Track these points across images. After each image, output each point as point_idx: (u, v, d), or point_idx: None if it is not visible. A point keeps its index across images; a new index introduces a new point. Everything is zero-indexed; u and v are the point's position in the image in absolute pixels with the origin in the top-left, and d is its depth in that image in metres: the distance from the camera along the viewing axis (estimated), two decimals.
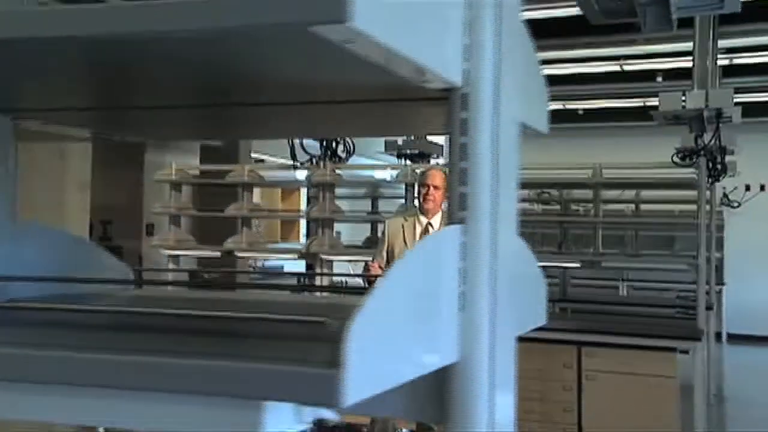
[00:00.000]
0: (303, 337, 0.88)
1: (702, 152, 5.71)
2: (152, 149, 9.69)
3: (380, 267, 4.40)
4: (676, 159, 5.81)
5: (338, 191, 7.97)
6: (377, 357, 0.75)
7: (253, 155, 9.93)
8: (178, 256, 6.85)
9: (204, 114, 1.25)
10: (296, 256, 6.70)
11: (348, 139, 6.83)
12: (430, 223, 4.48)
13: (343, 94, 1.03)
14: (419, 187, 4.52)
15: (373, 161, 11.59)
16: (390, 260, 4.46)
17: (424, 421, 0.98)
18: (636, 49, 9.32)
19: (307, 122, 1.38)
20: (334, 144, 6.68)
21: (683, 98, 5.56)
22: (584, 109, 13.15)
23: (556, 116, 13.32)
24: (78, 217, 7.20)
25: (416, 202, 4.65)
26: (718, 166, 6.46)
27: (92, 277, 1.31)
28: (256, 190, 11.90)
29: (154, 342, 0.92)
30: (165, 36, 0.69)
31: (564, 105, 12.71)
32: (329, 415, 0.87)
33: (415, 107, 1.02)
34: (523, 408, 5.88)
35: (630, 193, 8.65)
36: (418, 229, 4.45)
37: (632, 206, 8.81)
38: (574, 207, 8.73)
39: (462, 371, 0.90)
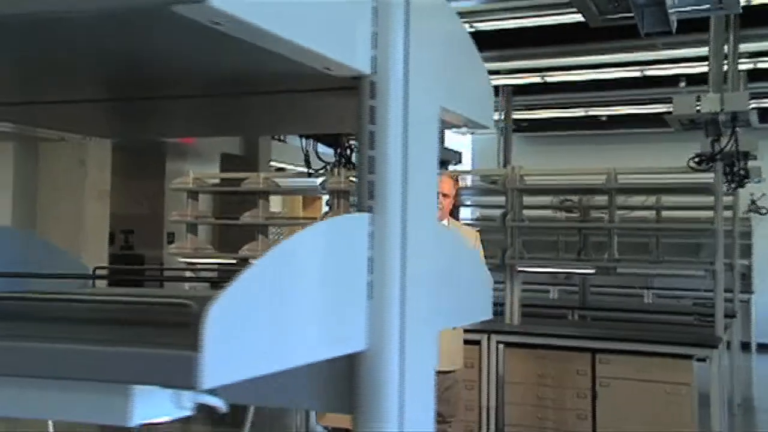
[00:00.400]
0: (174, 323, 0.88)
1: (718, 157, 5.63)
2: (172, 158, 9.82)
3: None
4: (692, 164, 5.72)
5: None
6: (245, 341, 0.74)
7: (273, 163, 10.02)
8: (195, 263, 6.90)
9: (108, 108, 1.25)
10: None
11: None
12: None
13: (245, 86, 1.03)
14: None
15: None
16: None
17: (331, 412, 0.95)
18: (657, 54, 9.22)
19: (211, 118, 1.38)
20: (348, 150, 6.71)
21: (698, 102, 5.48)
22: (608, 116, 13.03)
23: (579, 123, 13.29)
24: (97, 226, 7.31)
25: None
26: (741, 171, 6.34)
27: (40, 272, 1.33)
28: (277, 198, 12.02)
29: (20, 329, 0.92)
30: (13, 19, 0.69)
31: (586, 111, 12.62)
32: (215, 402, 0.86)
33: (327, 98, 1.01)
34: (536, 415, 5.85)
35: (653, 200, 8.55)
36: None
37: (655, 213, 8.71)
38: (596, 214, 8.65)
39: (370, 360, 0.89)
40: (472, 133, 15.09)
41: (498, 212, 9.02)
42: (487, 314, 1.18)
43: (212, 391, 0.82)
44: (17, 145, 7.42)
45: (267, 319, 0.75)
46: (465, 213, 9.99)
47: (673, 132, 6.19)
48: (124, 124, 1.48)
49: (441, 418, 4.43)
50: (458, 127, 1.17)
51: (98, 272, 1.33)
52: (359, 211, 0.94)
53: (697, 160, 5.71)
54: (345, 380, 0.90)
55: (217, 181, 8.23)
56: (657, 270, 7.30)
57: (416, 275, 0.92)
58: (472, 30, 7.79)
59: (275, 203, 12.14)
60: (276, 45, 0.75)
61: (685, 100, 5.54)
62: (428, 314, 0.95)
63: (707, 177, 5.71)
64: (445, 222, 4.45)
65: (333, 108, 1.02)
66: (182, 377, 0.69)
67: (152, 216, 9.33)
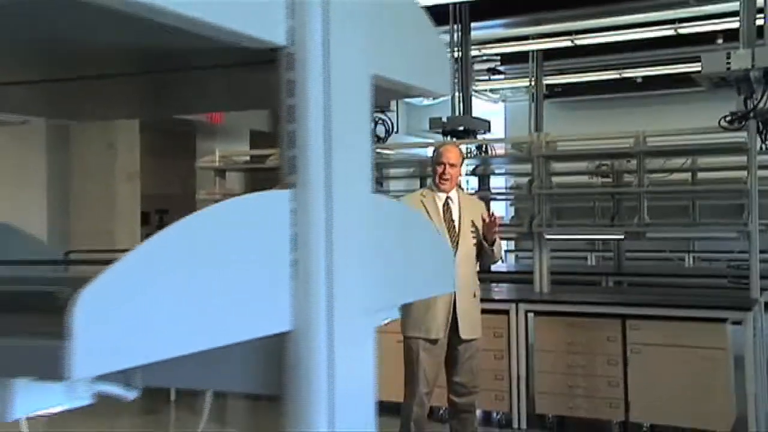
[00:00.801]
0: (52, 310, 0.86)
1: (751, 115, 5.46)
2: (203, 137, 9.89)
3: None
4: (723, 123, 5.56)
5: (391, 171, 7.95)
6: (127, 326, 0.71)
7: None
8: None
9: (26, 89, 1.23)
10: None
11: (388, 119, 6.82)
12: (449, 197, 4.41)
13: (161, 64, 1.01)
14: (434, 165, 4.42)
15: (422, 139, 11.54)
16: None
17: (262, 393, 0.92)
18: (690, 11, 8.94)
19: (131, 97, 1.35)
20: (373, 123, 6.67)
21: (728, 59, 5.31)
22: (643, 77, 12.73)
23: (613, 86, 13.00)
24: (128, 207, 7.42)
25: (432, 180, 4.50)
26: None
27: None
28: None
29: None
30: None
31: (620, 74, 12.34)
32: (116, 390, 0.85)
33: (250, 73, 0.98)
34: (567, 382, 5.81)
35: (688, 162, 8.34)
36: (439, 204, 4.38)
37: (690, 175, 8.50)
38: (629, 178, 8.47)
39: (296, 341, 0.87)
40: (504, 101, 14.90)
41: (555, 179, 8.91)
42: (448, 287, 1.15)
43: (127, 375, 0.80)
44: (49, 130, 7.54)
45: (157, 303, 0.73)
46: (497, 181, 9.86)
47: (712, 91, 5.99)
48: (42, 105, 1.45)
49: (465, 389, 4.43)
50: (409, 96, 1.13)
51: (73, 256, 1.32)
52: (280, 187, 0.92)
53: (729, 119, 5.55)
54: (274, 361, 0.88)
55: (247, 158, 8.25)
56: (689, 233, 7.14)
57: (346, 251, 0.89)
58: None
59: None
60: (178, 21, 0.73)
61: (714, 58, 5.37)
62: (364, 291, 0.92)
63: (740, 136, 5.55)
64: (453, 192, 4.41)
65: (259, 83, 0.98)
66: (51, 368, 0.67)
67: (185, 195, 9.44)
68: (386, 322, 1.09)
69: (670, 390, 5.19)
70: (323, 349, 0.87)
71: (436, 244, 1.14)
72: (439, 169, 4.34)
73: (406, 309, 4.42)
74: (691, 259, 11.00)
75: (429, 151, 8.91)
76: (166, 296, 0.74)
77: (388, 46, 1.00)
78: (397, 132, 14.05)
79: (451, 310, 4.30)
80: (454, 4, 8.33)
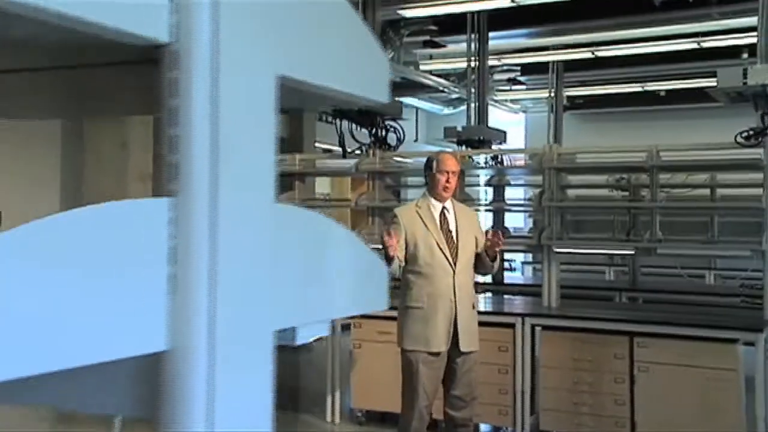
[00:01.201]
0: None
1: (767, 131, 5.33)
2: None
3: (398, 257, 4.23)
4: (740, 139, 5.43)
5: (409, 179, 7.89)
6: None
7: (318, 144, 10.01)
8: None
9: None
10: None
11: (399, 127, 6.77)
12: (445, 207, 4.35)
13: (31, 61, 0.95)
14: (436, 174, 4.33)
15: (439, 148, 11.46)
16: (413, 249, 4.28)
17: (133, 415, 0.86)
18: (714, 25, 8.80)
19: (41, 96, 1.30)
20: (384, 131, 6.63)
21: (744, 74, 5.19)
22: (666, 91, 12.56)
23: (636, 99, 12.84)
24: None
25: (430, 189, 4.40)
26: None
27: None
28: (325, 180, 12.02)
29: None
30: None
31: (643, 87, 12.19)
32: None
33: (134, 73, 0.92)
34: (573, 399, 5.70)
35: (718, 177, 8.18)
36: (435, 214, 4.31)
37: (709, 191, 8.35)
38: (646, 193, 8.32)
39: (172, 361, 0.81)
40: (525, 111, 14.80)
41: (571, 192, 8.81)
42: (380, 305, 1.09)
43: None
44: (64, 127, 7.59)
45: (5, 317, 0.67)
46: (516, 193, 9.72)
47: (735, 106, 5.84)
48: None
49: (463, 403, 4.35)
50: (340, 103, 1.07)
51: None
52: (159, 195, 0.86)
53: (745, 135, 5.42)
54: (147, 383, 0.82)
55: None
56: (701, 250, 6.99)
57: (235, 266, 0.82)
58: (514, 5, 7.57)
59: (323, 184, 12.16)
60: (59, 19, 0.68)
61: (730, 73, 5.25)
62: (259, 308, 0.85)
63: (758, 153, 5.42)
64: (448, 202, 4.35)
65: (141, 83, 0.92)
66: None
67: None
68: (313, 339, 1.03)
69: (678, 411, 5.07)
70: (203, 371, 0.81)
71: (366, 259, 1.08)
72: (443, 179, 4.28)
73: (403, 322, 4.36)
74: (712, 277, 10.82)
75: None
76: (15, 310, 0.68)
77: (303, 46, 0.94)
78: (416, 140, 14.03)
79: (452, 322, 4.23)
80: (472, 13, 8.27)
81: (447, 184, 4.27)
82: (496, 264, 4.48)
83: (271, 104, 0.89)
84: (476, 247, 4.37)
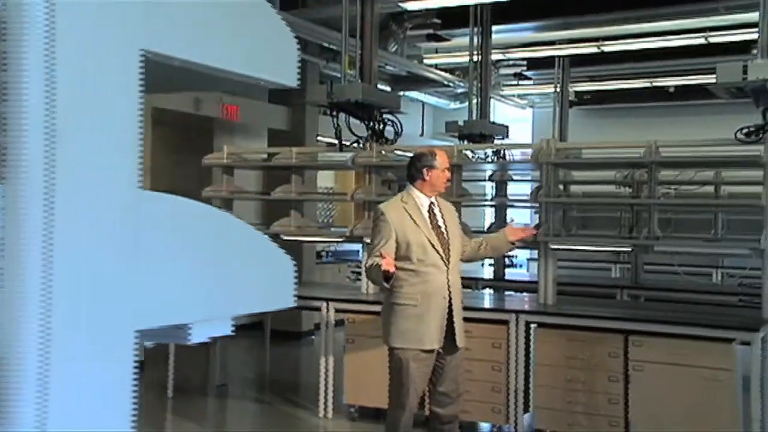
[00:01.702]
0: None
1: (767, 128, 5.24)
2: (220, 133, 9.88)
3: (383, 256, 4.14)
4: (740, 135, 5.34)
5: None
6: None
7: (321, 138, 9.96)
8: None
9: None
10: (342, 239, 6.63)
11: (396, 120, 6.70)
12: (432, 202, 4.29)
13: None
14: (436, 170, 4.25)
15: (443, 142, 11.39)
16: (405, 247, 4.19)
17: None
18: (722, 20, 8.67)
19: None
20: (381, 125, 6.57)
21: (744, 69, 5.09)
22: (675, 86, 12.40)
23: (644, 94, 12.70)
24: None
25: (427, 185, 4.34)
26: None
27: None
28: (329, 174, 11.96)
29: None
30: None
31: (651, 82, 12.05)
32: None
33: None
34: (566, 398, 5.63)
35: (723, 174, 8.07)
36: (424, 210, 4.25)
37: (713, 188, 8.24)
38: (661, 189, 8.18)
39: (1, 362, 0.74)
40: (532, 107, 14.68)
41: (574, 187, 8.75)
42: (286, 302, 1.03)
43: None
44: None
45: None
46: (517, 188, 9.64)
47: (744, 103, 5.71)
48: None
49: (449, 399, 4.30)
50: (238, 84, 1.01)
51: None
52: None
53: (745, 131, 5.33)
54: None
55: (264, 156, 8.19)
56: (701, 248, 6.91)
57: (79, 260, 0.75)
58: None
59: (327, 178, 12.12)
60: None
61: (730, 68, 5.15)
62: (108, 306, 0.78)
63: (757, 150, 5.32)
64: (433, 197, 4.31)
65: None
66: None
67: (201, 192, 9.44)
68: (210, 338, 0.98)
69: (672, 410, 5.00)
70: (33, 377, 0.74)
71: (268, 255, 1.02)
72: (447, 175, 4.27)
73: (391, 319, 4.29)
74: (719, 275, 10.70)
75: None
76: None
77: (177, 20, 0.86)
78: (422, 135, 13.96)
79: (446, 318, 4.17)
80: (475, 6, 8.18)
81: (448, 181, 4.28)
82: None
83: (133, 81, 0.81)
84: (463, 238, 4.38)
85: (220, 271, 0.91)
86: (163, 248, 0.84)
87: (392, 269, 3.97)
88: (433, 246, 4.15)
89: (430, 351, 4.17)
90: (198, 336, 0.93)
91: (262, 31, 0.97)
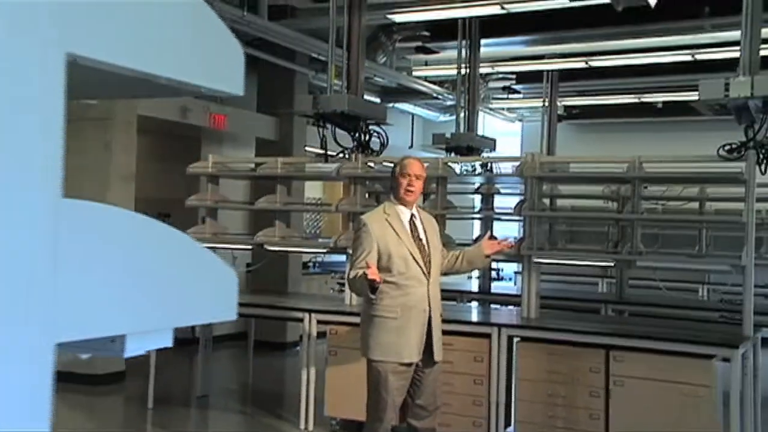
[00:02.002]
0: None
1: (750, 145, 5.26)
2: (208, 142, 9.86)
3: (369, 266, 4.14)
4: (722, 152, 5.36)
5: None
6: None
7: (309, 148, 9.95)
8: (213, 248, 6.88)
9: None
10: (326, 250, 6.61)
11: (382, 132, 6.71)
12: (413, 214, 4.28)
13: None
14: (399, 178, 4.27)
15: (431, 155, 11.39)
16: (386, 259, 4.18)
17: None
18: (709, 37, 8.73)
19: None
20: (366, 136, 6.57)
21: (726, 86, 5.12)
22: (663, 102, 12.48)
23: (633, 110, 12.77)
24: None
25: (395, 194, 4.33)
26: None
27: None
28: (317, 184, 11.95)
29: None
30: None
31: (639, 98, 12.12)
32: None
33: None
34: (547, 413, 5.61)
35: (709, 191, 8.10)
36: (405, 222, 4.24)
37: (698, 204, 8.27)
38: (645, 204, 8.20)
39: None
40: (521, 120, 14.73)
41: (562, 202, 8.77)
42: (229, 314, 1.01)
43: None
44: None
45: None
46: (506, 202, 9.65)
47: (733, 119, 5.73)
48: None
49: (426, 413, 4.28)
50: (179, 92, 0.99)
51: None
52: None
53: (728, 148, 5.35)
54: None
55: (252, 165, 8.17)
56: (682, 264, 6.92)
57: None
58: (504, 12, 7.52)
59: (316, 189, 12.11)
60: None
61: (712, 85, 5.19)
62: (22, 318, 0.75)
63: (738, 167, 5.35)
64: (414, 208, 4.29)
65: None
66: None
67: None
68: (146, 351, 0.96)
69: (653, 426, 4.99)
70: None
71: (209, 267, 1.00)
72: (404, 182, 4.21)
73: (371, 332, 4.27)
74: (705, 291, 10.73)
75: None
76: None
77: (107, 23, 0.84)
78: (411, 147, 13.97)
79: (425, 332, 4.16)
80: (464, 19, 8.21)
81: (409, 188, 4.19)
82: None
83: (57, 86, 0.79)
84: (442, 251, 4.37)
85: (154, 282, 0.90)
86: (87, 259, 0.82)
87: (378, 278, 3.95)
88: (414, 259, 4.14)
89: (409, 364, 4.15)
90: (134, 349, 0.91)
91: (202, 36, 0.95)
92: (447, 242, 4.90)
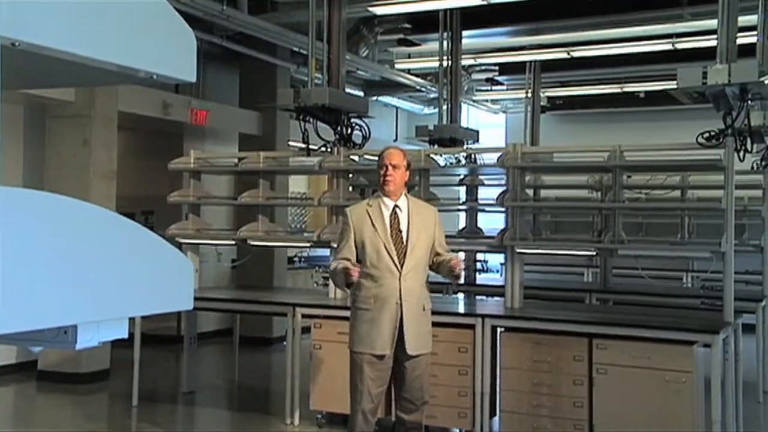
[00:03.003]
0: None
1: (728, 132, 5.29)
2: (191, 138, 9.82)
3: (348, 259, 4.17)
4: (701, 140, 5.39)
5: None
6: None
7: (292, 143, 9.92)
8: (196, 244, 6.86)
9: None
10: (309, 244, 6.60)
11: (364, 125, 6.69)
12: (397, 206, 4.26)
13: None
14: (378, 169, 4.28)
15: (416, 147, 11.38)
16: (360, 250, 4.22)
17: None
18: (689, 26, 8.76)
19: None
20: (348, 129, 6.55)
21: (704, 74, 5.14)
22: (645, 92, 12.52)
23: (615, 100, 12.81)
24: (103, 206, 7.32)
25: (378, 186, 4.35)
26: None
27: None
28: (302, 178, 11.93)
29: None
30: None
31: (622, 88, 12.16)
32: None
33: None
34: (531, 402, 5.63)
35: (691, 179, 8.15)
36: (386, 213, 4.23)
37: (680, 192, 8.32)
38: (628, 194, 8.23)
39: None
40: (505, 112, 14.75)
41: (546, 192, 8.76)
42: (185, 304, 1.01)
43: None
44: (27, 123, 7.49)
45: None
46: (490, 193, 9.66)
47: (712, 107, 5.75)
48: None
49: (413, 406, 4.28)
50: (128, 78, 0.98)
51: None
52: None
53: (706, 135, 5.38)
54: None
55: (235, 161, 8.14)
56: (663, 251, 6.96)
57: None
58: (485, 3, 7.52)
59: (300, 184, 12.08)
60: None
61: (690, 73, 5.21)
62: None
63: (717, 154, 5.37)
64: (402, 200, 4.27)
65: None
66: None
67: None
68: (100, 343, 0.96)
69: (635, 413, 5.02)
70: None
71: (164, 257, 1.00)
72: (381, 172, 4.22)
73: (352, 323, 4.29)
74: (689, 278, 10.80)
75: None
76: None
77: (50, 8, 0.83)
78: (396, 140, 13.96)
79: (398, 325, 4.15)
80: (445, 10, 8.20)
81: (386, 178, 4.19)
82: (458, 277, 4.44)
83: None
84: (433, 246, 4.30)
85: (105, 271, 0.89)
86: (28, 247, 0.81)
87: (356, 274, 3.99)
88: (387, 251, 4.14)
89: (382, 356, 4.15)
90: (87, 340, 0.90)
91: (153, 23, 0.94)
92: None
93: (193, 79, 1.01)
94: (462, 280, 8.38)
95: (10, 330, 0.75)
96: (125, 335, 0.99)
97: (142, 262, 0.95)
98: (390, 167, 4.18)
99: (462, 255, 4.37)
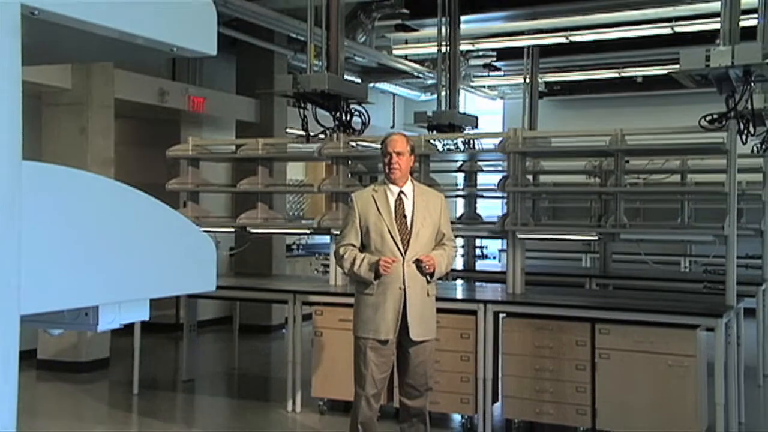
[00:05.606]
0: None
1: (731, 114, 5.26)
2: (188, 126, 9.75)
3: (353, 245, 4.17)
4: (704, 123, 5.36)
5: (380, 164, 7.72)
6: None
7: (290, 130, 9.87)
8: None
9: None
10: (309, 231, 6.56)
11: (363, 111, 6.64)
12: (402, 192, 4.24)
13: None
14: (382, 157, 4.26)
15: (413, 133, 11.34)
16: (365, 235, 4.21)
17: None
18: (689, 9, 8.72)
19: None
20: (348, 115, 6.50)
21: (707, 56, 5.10)
22: (644, 77, 12.47)
23: (614, 85, 12.76)
24: None
25: (384, 173, 4.32)
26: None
27: None
28: (299, 166, 11.88)
29: None
30: None
31: (620, 73, 12.10)
32: None
33: None
34: (535, 387, 5.63)
35: (690, 163, 8.13)
36: (391, 199, 4.21)
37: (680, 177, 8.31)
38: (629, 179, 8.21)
39: None
40: (503, 98, 14.69)
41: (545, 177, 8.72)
42: (208, 285, 0.97)
43: None
44: (23, 109, 7.42)
45: None
46: (489, 179, 9.63)
47: (714, 91, 5.70)
48: None
49: (417, 392, 4.27)
50: (145, 51, 0.94)
51: None
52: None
53: (709, 119, 5.35)
54: None
55: (233, 148, 8.08)
56: (665, 236, 6.95)
57: None
58: None
59: (298, 171, 12.03)
60: None
61: (693, 55, 5.17)
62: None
63: (720, 137, 5.35)
64: (408, 185, 4.25)
65: None
66: None
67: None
68: (121, 325, 0.93)
69: (638, 397, 5.01)
70: None
71: (187, 238, 0.96)
72: (386, 160, 4.20)
73: (356, 308, 4.27)
74: (687, 263, 10.81)
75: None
76: None
77: None
78: (393, 127, 13.90)
79: (401, 310, 4.13)
80: None
81: (391, 166, 4.17)
82: (438, 276, 4.36)
83: (12, 42, 0.73)
84: (438, 231, 4.27)
85: (128, 251, 0.86)
86: (52, 225, 0.77)
87: (389, 269, 4.05)
88: (391, 236, 4.12)
89: (385, 341, 4.14)
90: (108, 322, 0.87)
91: None
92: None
93: (214, 52, 0.97)
94: (463, 266, 8.41)
95: (33, 310, 0.72)
96: (147, 317, 0.96)
97: (166, 242, 0.92)
98: (394, 155, 4.17)
99: (439, 258, 4.27)
